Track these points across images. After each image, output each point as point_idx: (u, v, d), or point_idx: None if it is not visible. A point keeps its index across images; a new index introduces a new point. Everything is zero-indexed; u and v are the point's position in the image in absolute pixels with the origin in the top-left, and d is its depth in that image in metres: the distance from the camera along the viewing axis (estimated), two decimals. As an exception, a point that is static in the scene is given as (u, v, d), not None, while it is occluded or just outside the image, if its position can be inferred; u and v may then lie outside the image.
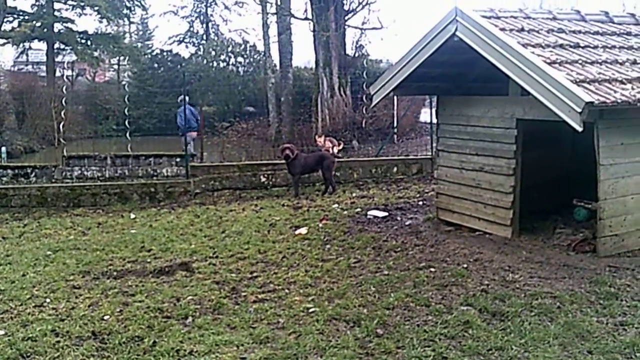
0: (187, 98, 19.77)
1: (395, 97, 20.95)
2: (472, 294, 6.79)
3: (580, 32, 9.29)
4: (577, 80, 7.53)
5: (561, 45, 8.54)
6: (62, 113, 19.66)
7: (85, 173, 15.84)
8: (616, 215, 8.16)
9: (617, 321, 6.00)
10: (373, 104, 11.40)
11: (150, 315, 6.56)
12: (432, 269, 7.76)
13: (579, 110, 7.16)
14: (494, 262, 7.90)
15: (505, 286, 7.04)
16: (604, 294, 6.66)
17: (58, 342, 5.95)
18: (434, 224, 10.27)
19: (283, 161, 14.23)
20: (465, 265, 7.84)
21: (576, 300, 6.51)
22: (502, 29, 8.45)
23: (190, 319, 6.47)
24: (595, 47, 8.85)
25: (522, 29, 8.75)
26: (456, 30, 8.67)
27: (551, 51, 8.24)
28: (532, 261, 7.91)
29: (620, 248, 8.15)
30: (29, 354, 5.69)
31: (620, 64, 8.45)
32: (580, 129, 7.27)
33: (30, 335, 6.08)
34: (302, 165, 14.09)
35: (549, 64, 7.77)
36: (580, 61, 8.20)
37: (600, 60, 8.41)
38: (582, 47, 8.71)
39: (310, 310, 6.55)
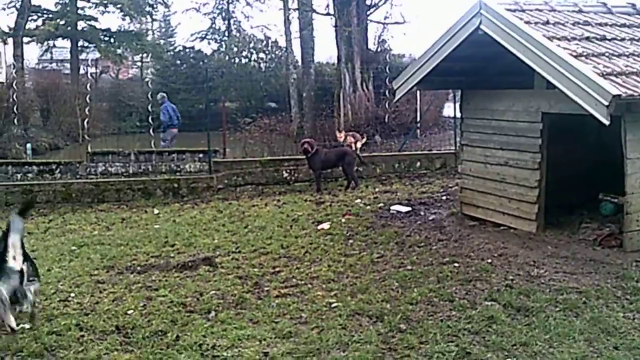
0: (166, 95, 19.96)
1: (418, 92, 20.83)
2: (497, 289, 6.73)
3: (606, 24, 9.16)
4: (604, 73, 7.42)
5: (587, 38, 8.43)
6: (86, 110, 19.80)
7: (109, 169, 15.91)
8: (644, 211, 8.04)
9: (644, 318, 5.92)
10: (396, 98, 11.35)
11: (173, 310, 6.58)
12: (456, 264, 7.71)
13: (606, 103, 7.05)
14: (518, 257, 7.83)
15: (530, 281, 6.97)
16: (631, 290, 6.57)
17: (82, 336, 5.99)
18: (457, 218, 10.20)
19: (305, 156, 14.21)
20: (489, 260, 7.77)
21: (602, 296, 6.43)
22: (527, 22, 8.35)
23: (213, 313, 6.48)
24: (622, 39, 8.72)
25: (548, 22, 8.64)
26: (480, 23, 8.59)
27: (577, 44, 8.14)
28: (557, 256, 7.83)
29: (648, 244, 8.03)
30: (53, 348, 5.72)
31: (648, 56, 8.33)
32: (607, 122, 7.16)
33: (55, 329, 6.12)
34: (322, 160, 14.06)
35: (575, 56, 7.67)
36: (607, 54, 8.08)
37: (627, 53, 8.28)
38: (609, 40, 8.59)
39: (333, 305, 6.53)
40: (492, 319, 5.95)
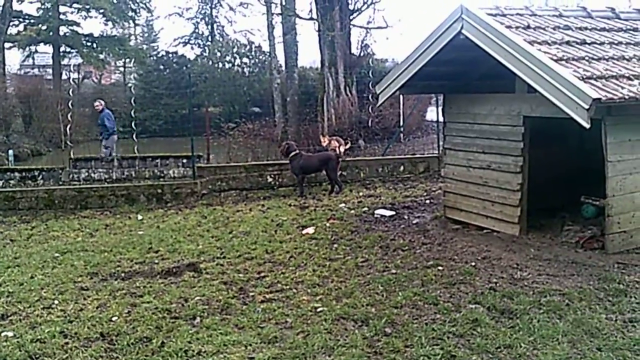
0: (103, 102, 19.82)
1: (401, 96, 20.91)
2: (481, 292, 6.78)
3: (586, 28, 9.27)
4: (584, 76, 7.50)
5: (568, 42, 8.52)
6: (69, 116, 19.69)
7: (92, 175, 15.84)
8: (624, 212, 8.14)
9: (626, 318, 5.99)
10: (379, 103, 11.40)
11: (158, 316, 6.57)
12: (440, 268, 7.75)
13: (586, 106, 7.13)
14: (502, 260, 7.89)
15: (514, 284, 7.02)
16: (613, 291, 6.64)
17: (67, 343, 5.96)
18: (441, 222, 10.25)
19: (289, 161, 14.22)
20: (473, 264, 7.82)
21: (585, 298, 6.49)
22: (508, 27, 8.43)
23: (198, 319, 6.47)
24: (602, 43, 8.83)
25: (529, 27, 8.73)
26: (462, 28, 8.66)
27: (557, 48, 8.23)
28: (540, 259, 7.89)
29: (629, 245, 8.12)
30: (37, 356, 5.70)
31: (628, 60, 8.43)
32: (587, 125, 7.24)
33: (39, 336, 6.09)
34: (302, 165, 14.07)
35: (556, 60, 7.75)
36: (587, 58, 8.17)
37: (607, 57, 8.38)
38: (589, 44, 8.69)
39: (318, 309, 6.54)
40: (476, 321, 5.99)
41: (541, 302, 6.39)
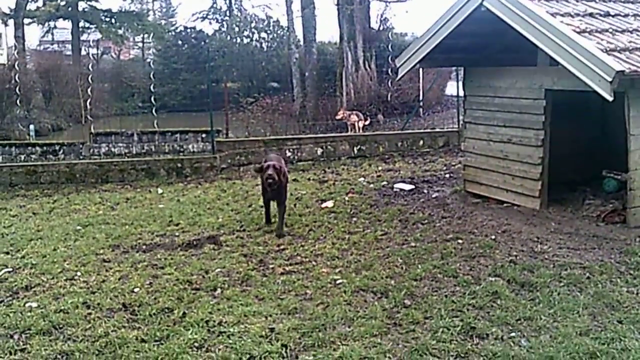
0: None
1: (420, 70, 20.75)
2: (501, 265, 6.76)
3: (610, 0, 9.12)
4: (608, 49, 7.40)
5: (591, 14, 8.40)
6: (89, 91, 19.76)
7: (113, 150, 15.95)
8: (647, 186, 8.05)
9: (647, 292, 5.95)
10: (399, 76, 11.33)
11: (179, 287, 6.64)
12: (460, 241, 7.74)
13: (610, 79, 7.04)
14: (522, 234, 7.85)
15: (534, 257, 7.00)
16: (634, 265, 6.60)
17: (89, 314, 6.04)
18: (461, 196, 10.22)
19: (309, 136, 14.20)
20: (493, 237, 7.80)
21: (606, 271, 6.46)
22: (530, -2, 8.32)
23: (219, 290, 6.53)
24: (626, 15, 8.70)
25: (551, -2, 8.60)
26: (483, 0, 8.56)
27: (580, 20, 8.11)
28: (561, 232, 7.86)
29: (651, 219, 8.05)
30: (61, 326, 5.77)
31: (652, 32, 8.30)
32: (610, 98, 7.16)
33: (62, 307, 6.17)
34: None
35: (579, 32, 7.65)
36: (610, 30, 8.06)
37: (631, 29, 8.26)
38: (612, 16, 8.56)
39: (338, 281, 6.57)
40: (496, 294, 5.99)
41: (561, 275, 6.37)
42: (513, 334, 5.18)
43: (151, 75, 20.48)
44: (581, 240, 7.50)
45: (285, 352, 5.02)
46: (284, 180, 8.84)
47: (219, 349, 5.11)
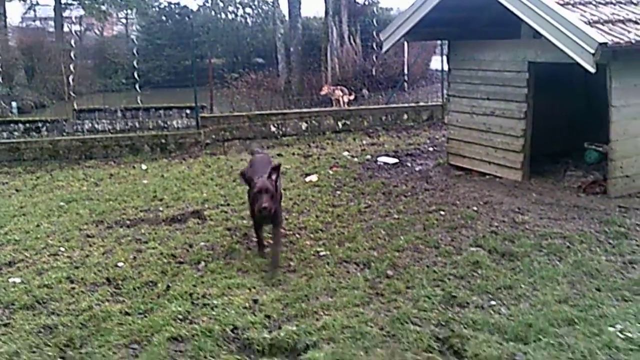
0: None
1: (405, 45, 20.74)
2: (482, 236, 6.84)
3: (592, -28, 9.13)
4: (591, 21, 7.45)
5: (574, -14, 8.41)
6: (71, 67, 19.61)
7: (96, 126, 15.84)
8: (627, 157, 8.14)
9: (626, 260, 6.04)
10: (383, 50, 11.30)
11: (163, 261, 6.65)
12: (442, 212, 7.80)
13: (592, 51, 7.09)
14: (503, 205, 7.93)
15: (515, 227, 7.08)
16: (614, 234, 6.69)
17: (73, 288, 6.04)
18: (444, 169, 10.28)
19: (293, 111, 14.17)
20: (475, 208, 7.87)
21: (585, 240, 6.55)
22: (513, -30, 8.31)
23: (202, 264, 6.55)
24: (609, -13, 8.71)
25: (533, -30, 8.60)
26: (466, -27, 8.55)
27: (563, -8, 8.12)
28: (542, 203, 7.94)
29: (631, 189, 8.16)
30: (45, 301, 5.77)
31: (635, 4, 8.36)
32: (593, 70, 7.21)
33: (46, 282, 6.16)
34: None
35: (562, 5, 7.68)
36: (593, 2, 8.10)
37: (614, 1, 8.32)
38: (595, -13, 8.57)
39: (321, 253, 6.61)
40: (477, 264, 6.06)
41: (542, 245, 6.45)
42: (493, 302, 5.25)
43: (134, 52, 20.35)
44: (562, 211, 7.58)
45: (269, 322, 5.07)
46: (278, 197, 6.64)
47: (203, 321, 5.14)
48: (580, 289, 5.43)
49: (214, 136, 14.82)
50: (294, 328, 4.91)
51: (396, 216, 7.81)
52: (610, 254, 6.19)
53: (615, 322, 4.77)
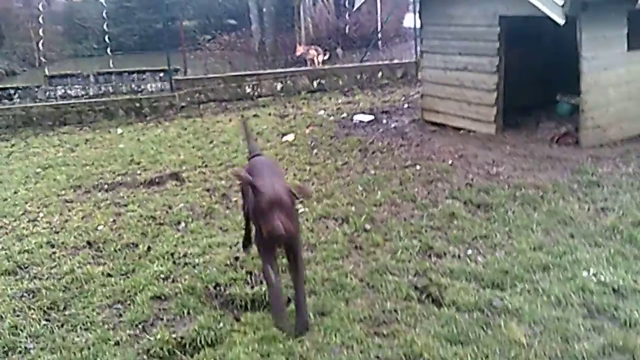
0: None
1: (378, 3, 20.64)
2: (457, 188, 6.96)
3: None
4: (559, -28, 7.47)
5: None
6: (41, 32, 19.26)
7: (69, 92, 15.64)
8: (598, 107, 8.27)
9: (598, 207, 6.19)
10: (355, 6, 11.28)
11: (143, 223, 6.70)
12: (418, 167, 7.89)
13: (561, 3, 7.15)
14: (478, 158, 8.05)
15: (490, 179, 7.20)
16: (586, 183, 6.84)
17: (54, 252, 6.08)
18: (419, 125, 10.36)
19: (268, 71, 14.09)
20: (450, 162, 7.98)
21: (559, 190, 6.69)
22: None
23: (183, 224, 6.61)
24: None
25: None
26: None
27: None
28: (515, 155, 8.07)
29: (602, 139, 8.30)
30: (26, 265, 5.81)
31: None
32: (562, 22, 7.28)
33: (26, 248, 6.20)
34: None
35: (530, -44, 7.69)
36: (562, -47, 8.10)
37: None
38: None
39: (300, 210, 6.66)
40: (453, 215, 6.18)
41: (516, 195, 6.58)
42: (470, 252, 5.39)
43: (104, 15, 19.98)
44: (535, 162, 7.72)
45: (250, 278, 5.15)
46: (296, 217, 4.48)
47: (185, 279, 5.21)
48: (554, 236, 5.57)
49: (188, 99, 14.73)
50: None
51: (373, 172, 7.90)
52: (583, 202, 6.33)
53: (588, 266, 4.92)
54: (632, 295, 4.47)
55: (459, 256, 5.31)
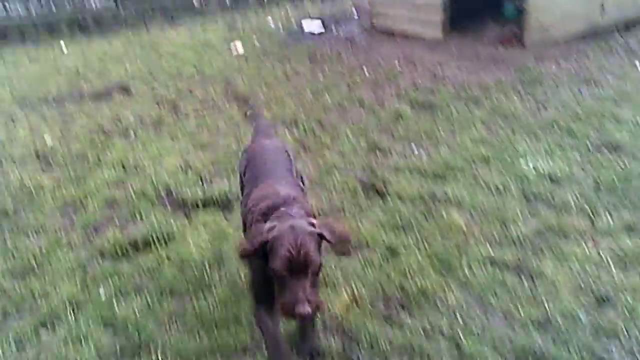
0: None
1: None
2: (404, 90, 7.06)
3: None
4: None
5: None
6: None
7: (10, 13, 15.10)
8: (544, 8, 8.34)
9: (539, 103, 6.38)
10: None
11: (92, 135, 6.67)
12: (366, 72, 7.94)
13: None
14: (425, 61, 8.13)
15: (435, 81, 7.32)
16: (528, 81, 7.01)
17: (1, 164, 6.06)
18: (368, 32, 10.36)
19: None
20: (398, 66, 8.05)
21: (502, 88, 6.85)
22: None
23: (132, 134, 6.60)
24: None
25: None
26: None
27: None
28: (461, 57, 8.18)
29: (546, 39, 8.41)
30: (-29, 179, 5.78)
31: None
32: None
33: (-29, 161, 6.14)
34: None
35: None
36: None
37: None
38: None
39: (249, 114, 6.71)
40: (399, 115, 6.32)
41: (460, 95, 6.73)
42: (414, 149, 5.52)
43: None
44: (480, 63, 7.85)
45: (200, 180, 5.23)
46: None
47: (136, 184, 5.27)
48: (496, 131, 5.75)
49: (134, 12, 14.35)
50: (226, 185, 5.08)
51: (322, 78, 7.94)
52: (524, 99, 6.51)
53: (527, 158, 5.11)
54: (568, 182, 4.68)
55: (404, 154, 5.46)
